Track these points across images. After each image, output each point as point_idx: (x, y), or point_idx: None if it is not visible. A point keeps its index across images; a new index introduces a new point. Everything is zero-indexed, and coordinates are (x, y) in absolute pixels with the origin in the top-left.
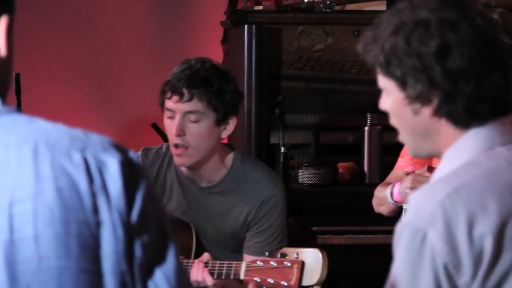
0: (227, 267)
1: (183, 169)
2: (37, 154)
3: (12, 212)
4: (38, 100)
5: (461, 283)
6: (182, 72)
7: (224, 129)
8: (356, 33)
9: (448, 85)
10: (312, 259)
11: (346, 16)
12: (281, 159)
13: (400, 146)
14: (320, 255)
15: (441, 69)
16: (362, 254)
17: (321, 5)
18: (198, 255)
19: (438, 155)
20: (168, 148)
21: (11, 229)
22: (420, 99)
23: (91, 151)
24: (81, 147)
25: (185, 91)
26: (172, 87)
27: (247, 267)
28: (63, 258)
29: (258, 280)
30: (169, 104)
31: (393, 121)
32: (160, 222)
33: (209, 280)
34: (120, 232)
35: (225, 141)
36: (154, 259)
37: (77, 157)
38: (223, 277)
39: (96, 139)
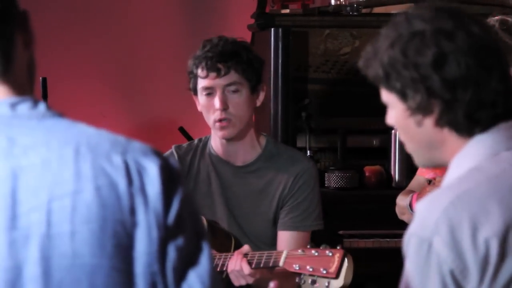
0: (267, 256)
1: (220, 149)
2: (79, 154)
3: (51, 208)
4: (65, 104)
5: None
6: (210, 51)
7: (257, 97)
8: None
9: (447, 93)
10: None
11: (373, 19)
12: None
13: None
14: (345, 258)
15: (438, 78)
16: (389, 258)
17: (348, 8)
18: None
19: (445, 165)
20: (200, 140)
21: (49, 224)
22: (421, 109)
23: (131, 155)
24: (122, 151)
25: (220, 66)
26: (206, 66)
27: (287, 255)
28: (97, 255)
29: (297, 267)
30: (206, 82)
31: (400, 136)
32: (195, 225)
33: (246, 269)
34: (155, 233)
35: None
36: (188, 261)
37: (117, 159)
38: (261, 265)
39: (137, 145)
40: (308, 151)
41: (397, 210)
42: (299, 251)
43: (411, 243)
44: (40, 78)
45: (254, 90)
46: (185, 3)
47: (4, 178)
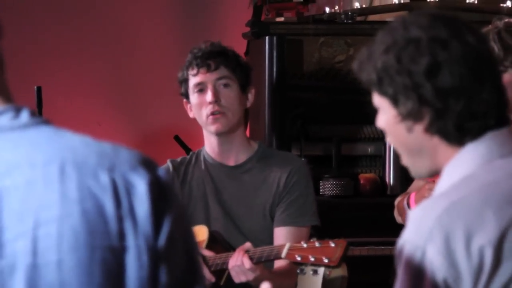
0: (268, 250)
1: (213, 150)
2: (64, 174)
3: (37, 235)
4: (60, 113)
5: None
6: (201, 50)
7: (247, 98)
8: None
9: (438, 102)
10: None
11: (368, 27)
12: None
13: None
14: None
15: (431, 87)
16: (384, 265)
17: (343, 16)
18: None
19: (438, 173)
20: (193, 153)
21: (35, 253)
22: (411, 116)
23: (119, 171)
24: (109, 166)
25: (210, 61)
26: (196, 64)
27: (289, 247)
28: (85, 284)
29: (299, 258)
30: (197, 79)
31: (389, 139)
32: (187, 246)
33: (247, 264)
34: (145, 257)
35: None
36: (181, 284)
37: (104, 178)
38: (263, 259)
39: (125, 156)
40: (303, 159)
41: (396, 212)
42: (302, 243)
43: (404, 250)
44: (35, 87)
45: (243, 90)
46: (180, 12)
47: None
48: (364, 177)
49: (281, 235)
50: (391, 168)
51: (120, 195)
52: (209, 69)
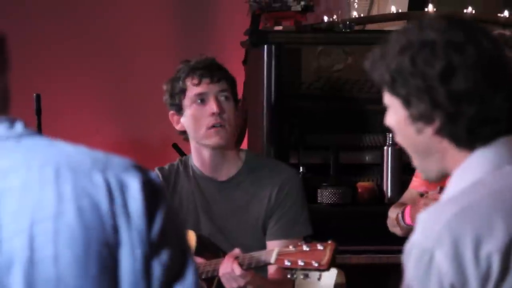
0: (257, 256)
1: (203, 165)
2: (59, 175)
3: (33, 232)
4: (59, 121)
5: None
6: (200, 61)
7: (239, 114)
8: None
9: (451, 106)
10: (328, 276)
11: (366, 36)
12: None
13: None
14: (336, 272)
15: (445, 90)
16: (382, 273)
17: (341, 25)
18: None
19: (447, 174)
20: (180, 160)
21: (31, 249)
22: (423, 118)
23: (112, 172)
24: (102, 168)
25: (214, 73)
26: (199, 74)
27: (278, 253)
28: (81, 278)
29: (289, 263)
30: (199, 89)
31: (398, 139)
32: (179, 240)
33: (237, 270)
34: (138, 251)
35: None
36: (174, 276)
37: (98, 178)
38: (253, 265)
39: (117, 161)
40: (301, 168)
41: (389, 222)
42: (290, 247)
43: (412, 254)
44: (34, 94)
45: (236, 104)
46: (179, 21)
47: None
48: (362, 185)
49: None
50: (389, 177)
51: (114, 193)
52: (212, 80)
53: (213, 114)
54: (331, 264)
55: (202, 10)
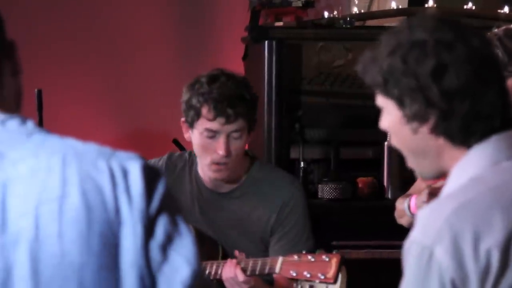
0: (262, 262)
1: (206, 179)
2: (65, 163)
3: (39, 212)
4: (60, 116)
5: None
6: (221, 92)
7: (251, 136)
8: None
9: (444, 104)
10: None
11: (366, 31)
12: (301, 174)
13: None
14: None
15: (437, 88)
16: (382, 268)
17: (342, 21)
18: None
19: (444, 173)
20: (190, 154)
21: (37, 228)
22: (417, 118)
23: (116, 160)
24: (107, 157)
25: (230, 111)
26: (215, 110)
27: (283, 261)
28: (84, 254)
29: (294, 273)
30: (212, 125)
31: (393, 141)
32: (175, 214)
33: (241, 276)
34: (138, 229)
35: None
36: (171, 246)
37: (102, 164)
38: (257, 272)
39: (121, 153)
40: (302, 163)
41: (396, 214)
42: (295, 257)
43: (411, 251)
44: (36, 90)
45: (251, 130)
46: (179, 16)
47: None
48: (363, 180)
49: None
50: (390, 172)
51: (116, 178)
52: (227, 120)
53: (220, 154)
54: (337, 277)
55: (202, 5)
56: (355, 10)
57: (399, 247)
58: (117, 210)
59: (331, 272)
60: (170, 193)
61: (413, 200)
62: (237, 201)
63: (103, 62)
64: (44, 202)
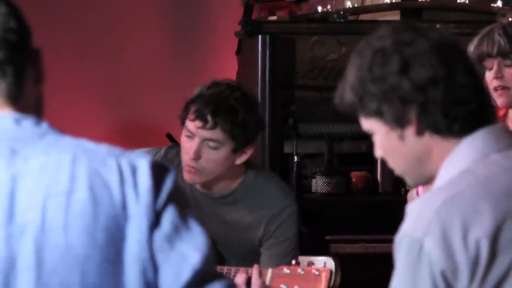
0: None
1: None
2: (75, 160)
3: (46, 205)
4: (53, 110)
5: None
6: (210, 97)
7: (239, 156)
8: None
9: (419, 96)
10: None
11: (360, 26)
12: (295, 169)
13: None
14: (332, 263)
15: (408, 82)
16: (375, 262)
17: (335, 15)
18: None
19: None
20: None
21: (43, 220)
22: (398, 121)
23: (125, 159)
24: (117, 156)
25: (209, 118)
26: (197, 112)
27: (273, 273)
28: (88, 247)
29: (285, 287)
30: (190, 126)
31: (389, 162)
32: (184, 208)
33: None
34: (144, 223)
35: None
36: (179, 238)
37: (111, 162)
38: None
39: (131, 152)
40: (295, 157)
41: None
42: (285, 269)
43: (402, 244)
44: None
45: (237, 151)
46: (172, 10)
47: (4, 182)
48: (356, 175)
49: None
50: (383, 167)
51: (125, 174)
52: (204, 126)
53: (188, 154)
54: None
55: None
56: (348, 4)
57: (393, 241)
58: (124, 206)
59: (321, 287)
60: (179, 188)
61: (421, 188)
62: (229, 207)
63: (96, 57)
64: (51, 196)
